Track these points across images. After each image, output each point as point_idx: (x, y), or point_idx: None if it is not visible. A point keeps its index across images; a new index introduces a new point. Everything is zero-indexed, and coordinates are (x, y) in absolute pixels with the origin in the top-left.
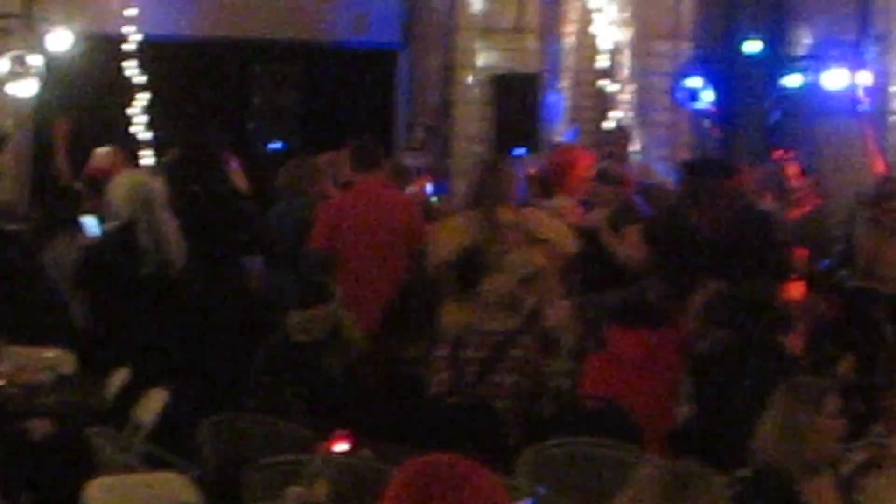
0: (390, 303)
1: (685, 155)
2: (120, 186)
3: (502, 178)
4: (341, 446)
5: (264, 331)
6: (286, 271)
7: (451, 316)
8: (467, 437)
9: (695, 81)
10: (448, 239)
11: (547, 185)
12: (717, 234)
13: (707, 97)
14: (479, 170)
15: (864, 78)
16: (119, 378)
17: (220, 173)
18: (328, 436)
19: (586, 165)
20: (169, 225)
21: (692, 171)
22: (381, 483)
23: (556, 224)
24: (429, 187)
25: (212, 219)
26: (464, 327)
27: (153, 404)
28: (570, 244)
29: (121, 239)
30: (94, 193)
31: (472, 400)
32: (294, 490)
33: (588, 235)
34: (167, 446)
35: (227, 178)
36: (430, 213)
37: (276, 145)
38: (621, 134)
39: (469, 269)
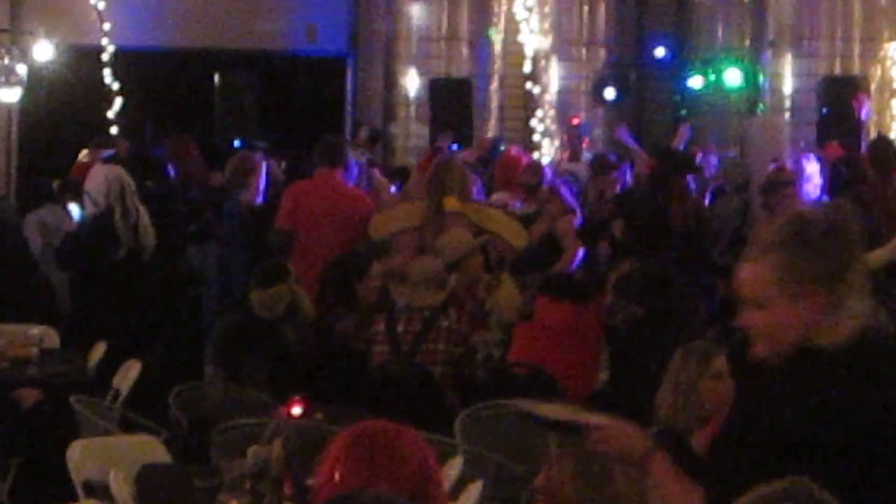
0: (321, 279)
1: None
2: (97, 178)
3: (455, 173)
4: (297, 410)
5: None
6: (239, 253)
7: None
8: (410, 401)
9: (609, 92)
10: (388, 220)
11: (490, 182)
12: (684, 225)
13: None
14: (434, 164)
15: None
16: (98, 352)
17: (164, 173)
18: (285, 401)
19: (524, 167)
20: (141, 214)
21: (665, 159)
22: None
23: (507, 220)
24: (392, 188)
25: (162, 211)
26: (395, 305)
27: (129, 374)
28: (520, 239)
29: (99, 225)
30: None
31: (412, 367)
32: (254, 448)
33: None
34: (141, 411)
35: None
36: None
37: (237, 143)
38: (575, 133)
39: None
